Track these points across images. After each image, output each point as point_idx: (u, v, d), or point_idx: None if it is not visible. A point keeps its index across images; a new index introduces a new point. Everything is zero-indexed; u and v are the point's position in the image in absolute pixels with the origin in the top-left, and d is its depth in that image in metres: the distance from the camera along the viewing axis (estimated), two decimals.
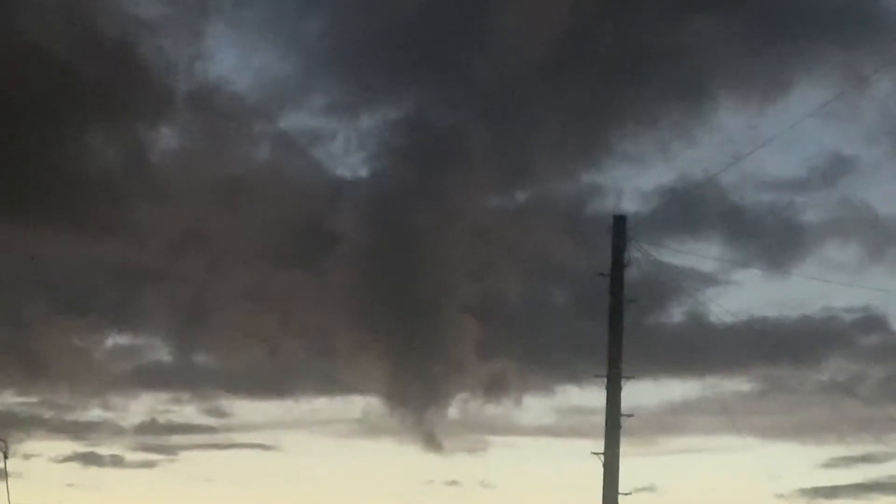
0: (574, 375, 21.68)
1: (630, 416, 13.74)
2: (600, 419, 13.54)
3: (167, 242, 22.38)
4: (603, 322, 13.57)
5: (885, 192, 27.21)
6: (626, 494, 13.49)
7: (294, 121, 29.87)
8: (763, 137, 20.21)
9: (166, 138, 23.16)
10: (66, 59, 20.19)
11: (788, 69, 24.65)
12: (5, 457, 14.03)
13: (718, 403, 21.03)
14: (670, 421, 25.36)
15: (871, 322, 24.83)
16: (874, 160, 28.78)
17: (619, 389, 13.76)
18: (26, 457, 23.89)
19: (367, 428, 25.64)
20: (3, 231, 21.61)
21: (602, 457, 13.44)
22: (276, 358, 23.94)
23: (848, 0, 25.14)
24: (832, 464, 25.60)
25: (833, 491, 24.03)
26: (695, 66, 24.63)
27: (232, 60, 26.67)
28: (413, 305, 22.70)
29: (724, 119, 25.56)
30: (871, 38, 24.45)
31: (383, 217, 23.11)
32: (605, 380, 13.53)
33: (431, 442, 24.16)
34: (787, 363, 20.79)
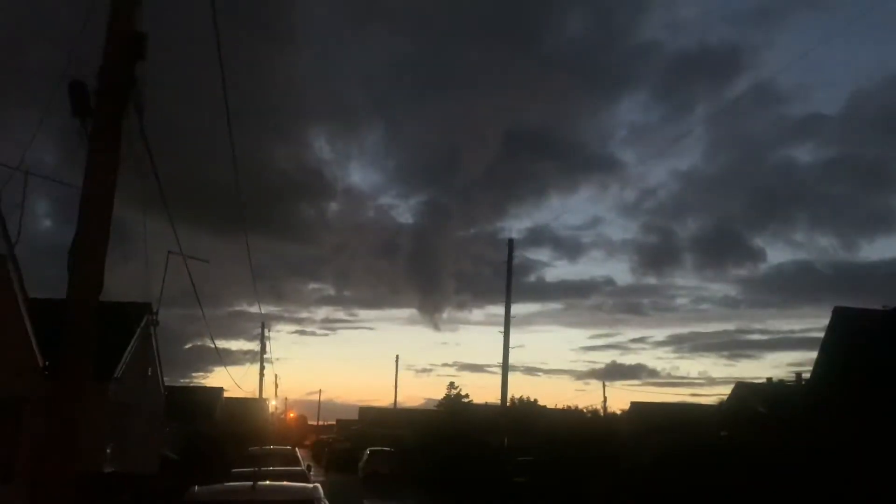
0: (492, 301, 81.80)
1: (514, 316, 36.35)
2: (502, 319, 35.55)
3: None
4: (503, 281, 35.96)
5: None
6: (513, 348, 37.48)
7: None
8: None
9: None
10: None
11: None
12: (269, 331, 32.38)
13: (548, 313, 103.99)
14: (529, 319, 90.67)
15: (608, 282, 58.56)
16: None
17: (510, 305, 35.93)
18: (277, 331, 48.08)
19: (412, 321, 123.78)
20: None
21: (502, 332, 35.47)
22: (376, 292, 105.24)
23: None
24: (592, 337, 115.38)
25: (594, 347, 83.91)
26: None
27: None
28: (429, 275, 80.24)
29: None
30: None
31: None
32: (504, 302, 35.83)
33: (436, 327, 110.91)
34: (575, 297, 74.46)
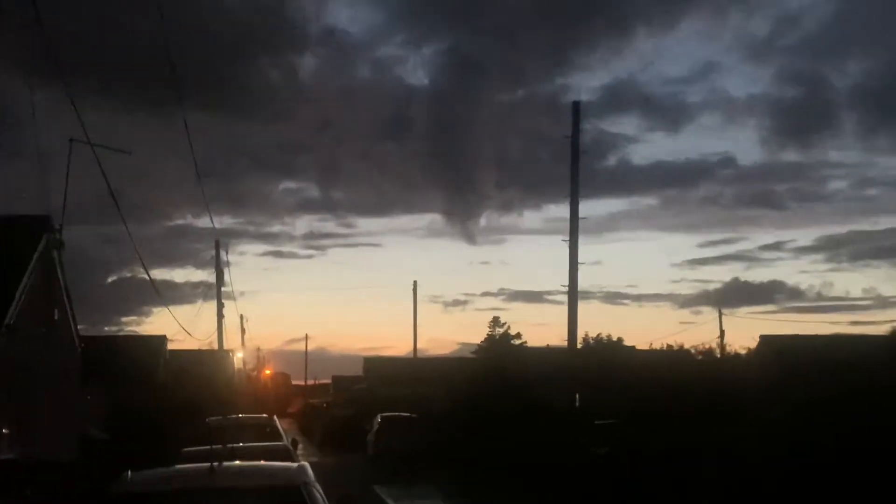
0: (554, 198, 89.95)
1: (584, 218, 35.90)
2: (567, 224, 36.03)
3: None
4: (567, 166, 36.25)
5: None
6: (582, 264, 35.63)
7: None
8: None
9: None
10: None
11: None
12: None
13: (637, 213, 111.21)
14: (608, 224, 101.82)
15: (726, 161, 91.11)
16: None
17: (577, 203, 35.79)
18: (240, 253, 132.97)
19: (434, 233, 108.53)
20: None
21: (567, 242, 35.59)
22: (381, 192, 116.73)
23: None
24: (704, 245, 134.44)
25: (704, 261, 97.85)
26: None
27: None
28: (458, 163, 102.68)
29: None
30: None
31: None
32: (570, 198, 35.77)
33: (471, 239, 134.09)
34: (678, 187, 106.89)
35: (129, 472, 9.93)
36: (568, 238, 35.65)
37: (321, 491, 9.78)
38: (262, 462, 11.38)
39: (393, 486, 32.60)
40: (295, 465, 10.74)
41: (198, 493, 9.41)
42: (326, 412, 66.99)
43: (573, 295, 35.97)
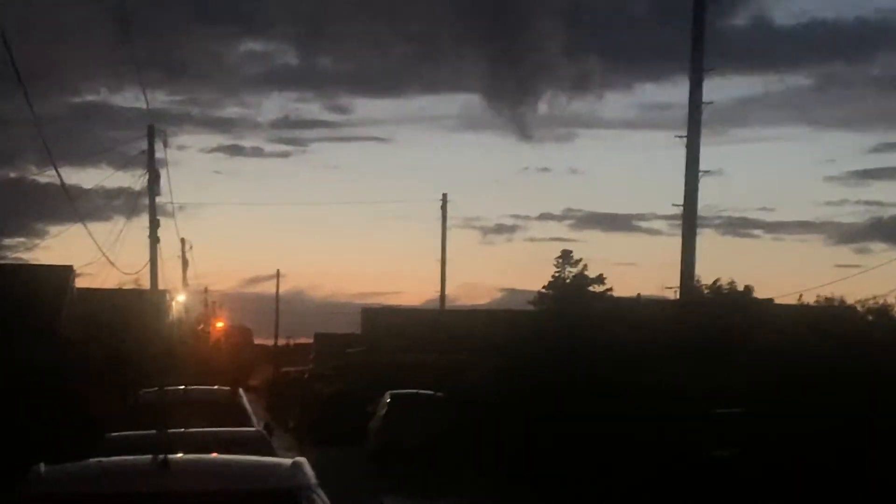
0: (653, 74, 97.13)
1: (710, 103, 34.27)
2: (679, 114, 35.28)
3: None
4: (681, 28, 35.40)
5: None
6: (706, 171, 35.34)
7: None
8: None
9: None
10: None
11: None
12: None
13: (779, 99, 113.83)
14: (735, 115, 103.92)
15: None
16: None
17: (700, 80, 34.38)
18: (180, 147, 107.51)
19: (469, 122, 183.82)
20: None
21: (686, 139, 33.68)
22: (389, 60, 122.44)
23: None
24: (877, 149, 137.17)
25: (879, 173, 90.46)
26: None
27: None
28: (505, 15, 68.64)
29: None
30: None
31: None
32: (689, 71, 34.06)
33: (524, 134, 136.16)
34: (842, 61, 54.79)
35: (43, 466, 9.96)
36: (685, 133, 35.13)
37: (326, 499, 10.13)
38: (240, 457, 11.55)
39: (409, 499, 32.64)
40: (288, 461, 10.86)
41: (146, 499, 9.54)
42: (307, 386, 67.56)
43: (690, 220, 35.54)
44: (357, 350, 76.56)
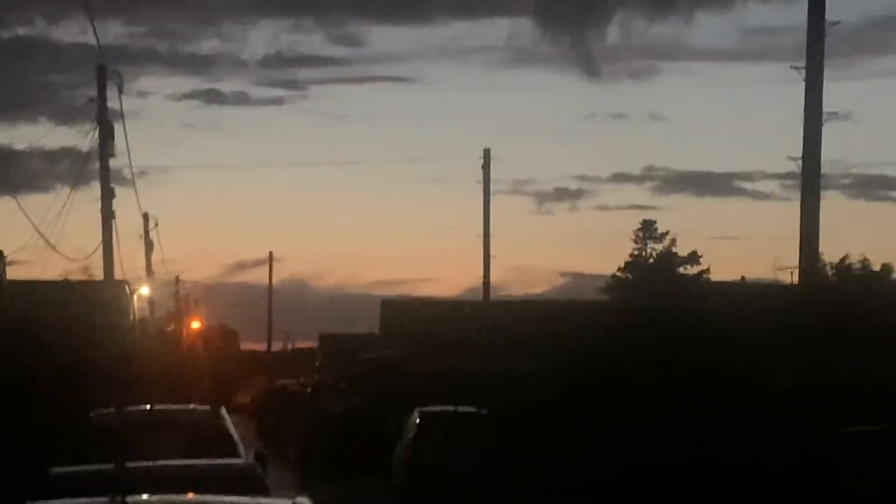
0: None
1: (836, 23, 32.74)
2: (794, 40, 37.31)
3: None
4: None
5: None
6: (833, 113, 33.48)
7: None
8: None
9: None
10: None
11: None
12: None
13: None
14: (875, 38, 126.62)
15: None
16: None
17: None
18: (141, 94, 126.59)
19: (517, 55, 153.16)
20: None
21: (803, 72, 32.78)
22: None
23: None
24: None
25: None
26: None
27: None
28: None
29: None
30: None
31: None
32: None
33: (591, 70, 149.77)
34: None
35: None
36: (803, 65, 35.03)
37: None
38: (225, 498, 11.71)
39: None
40: (289, 501, 11.19)
41: None
42: (311, 402, 67.48)
43: (811, 179, 35.42)
44: (375, 355, 76.81)
